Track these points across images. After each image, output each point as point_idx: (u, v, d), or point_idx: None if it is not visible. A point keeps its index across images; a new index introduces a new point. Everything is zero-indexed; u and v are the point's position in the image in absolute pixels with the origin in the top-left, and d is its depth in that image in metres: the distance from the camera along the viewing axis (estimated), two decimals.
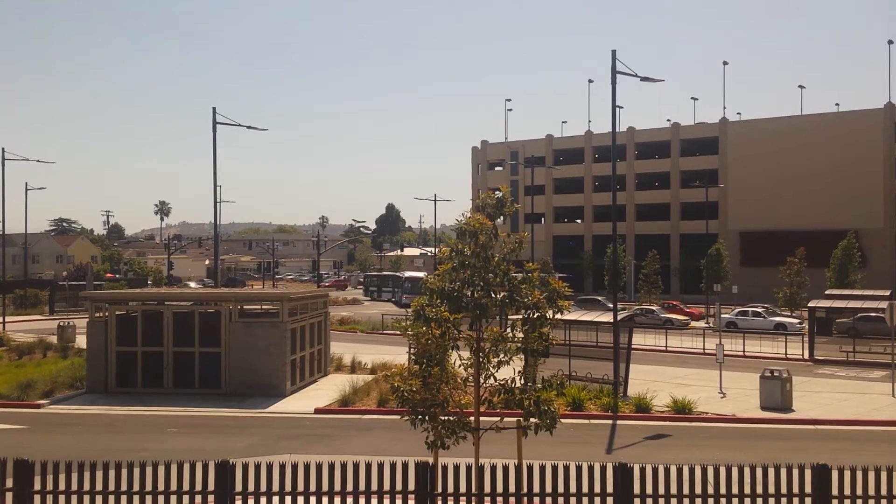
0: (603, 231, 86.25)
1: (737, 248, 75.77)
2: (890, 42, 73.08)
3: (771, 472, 11.39)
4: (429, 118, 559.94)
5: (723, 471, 11.40)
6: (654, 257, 65.16)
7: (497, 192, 13.07)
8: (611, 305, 42.06)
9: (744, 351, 36.31)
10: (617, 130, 26.23)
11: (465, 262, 12.35)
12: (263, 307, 28.20)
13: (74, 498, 11.25)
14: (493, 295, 12.35)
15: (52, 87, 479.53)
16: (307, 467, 11.42)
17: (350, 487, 11.35)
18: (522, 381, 12.17)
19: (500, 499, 11.34)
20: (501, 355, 12.06)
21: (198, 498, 11.55)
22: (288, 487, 11.39)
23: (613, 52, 24.30)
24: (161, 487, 11.41)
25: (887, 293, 43.06)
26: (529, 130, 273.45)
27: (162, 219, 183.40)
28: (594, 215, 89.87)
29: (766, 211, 76.96)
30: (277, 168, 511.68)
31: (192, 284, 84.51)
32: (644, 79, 25.27)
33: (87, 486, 11.24)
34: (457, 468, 11.53)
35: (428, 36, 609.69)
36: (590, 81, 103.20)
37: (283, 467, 11.46)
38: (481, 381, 12.28)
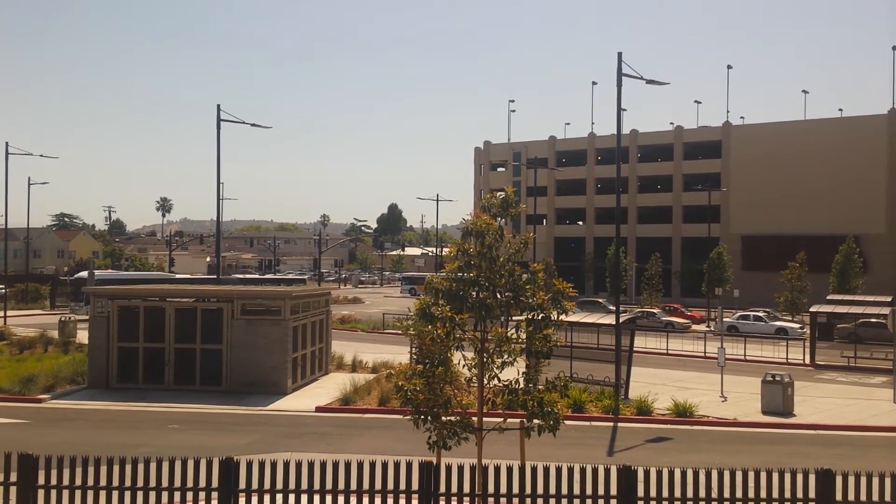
0: (604, 233, 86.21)
1: (738, 252, 75.69)
2: (894, 48, 73.05)
3: (775, 476, 11.36)
4: (432, 118, 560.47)
5: (727, 474, 11.36)
6: (656, 260, 65.10)
7: (501, 193, 13.05)
8: (612, 307, 42.39)
9: (745, 355, 36.30)
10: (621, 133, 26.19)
11: (470, 262, 12.32)
12: (265, 305, 28.14)
13: (78, 493, 11.24)
14: (497, 296, 12.31)
15: (55, 83, 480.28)
16: (311, 466, 11.41)
17: (354, 486, 11.33)
18: (525, 383, 12.15)
19: (503, 499, 11.32)
20: (505, 356, 12.02)
21: (201, 494, 11.54)
22: (292, 485, 11.39)
23: (619, 54, 24.23)
24: (165, 483, 11.42)
25: (889, 299, 43.13)
26: (532, 132, 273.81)
27: (163, 215, 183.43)
28: (596, 217, 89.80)
29: (768, 215, 76.90)
30: (279, 166, 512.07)
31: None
32: (650, 82, 25.23)
33: (91, 481, 11.22)
34: (460, 468, 11.51)
35: (431, 35, 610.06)
36: (593, 83, 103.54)
37: (286, 465, 11.45)
38: (485, 381, 12.26)
